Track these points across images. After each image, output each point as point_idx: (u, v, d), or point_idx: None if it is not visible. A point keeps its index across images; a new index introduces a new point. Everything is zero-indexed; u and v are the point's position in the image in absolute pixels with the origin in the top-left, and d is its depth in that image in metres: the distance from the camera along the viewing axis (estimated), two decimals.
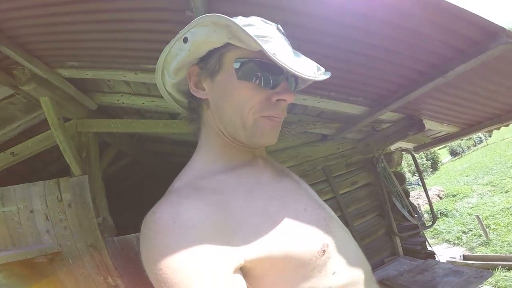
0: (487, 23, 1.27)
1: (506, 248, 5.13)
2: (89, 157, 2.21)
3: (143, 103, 2.22)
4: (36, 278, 1.99)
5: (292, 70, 0.43)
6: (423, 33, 1.37)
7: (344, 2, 1.22)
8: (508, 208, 7.02)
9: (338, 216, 2.62)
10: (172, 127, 2.25)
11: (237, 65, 0.47)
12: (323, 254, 0.44)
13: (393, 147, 3.04)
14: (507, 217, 6.55)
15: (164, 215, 0.38)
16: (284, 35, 0.51)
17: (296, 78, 0.53)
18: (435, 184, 15.27)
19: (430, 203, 3.04)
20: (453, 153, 26.76)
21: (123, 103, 2.26)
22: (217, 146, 0.54)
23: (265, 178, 0.53)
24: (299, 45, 1.44)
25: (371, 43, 1.44)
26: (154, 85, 1.91)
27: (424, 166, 19.49)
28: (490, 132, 2.66)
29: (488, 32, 1.31)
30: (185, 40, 0.47)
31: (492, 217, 7.02)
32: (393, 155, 2.84)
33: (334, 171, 2.77)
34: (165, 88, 0.58)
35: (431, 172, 19.99)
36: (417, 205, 9.68)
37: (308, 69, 0.47)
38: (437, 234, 7.42)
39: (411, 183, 16.67)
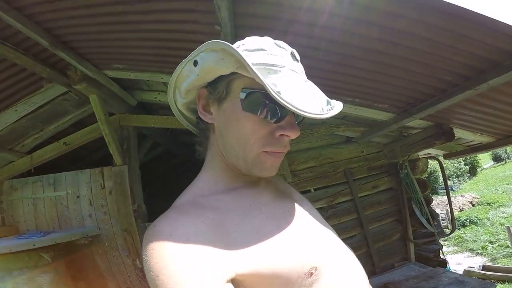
0: None
1: None
2: (129, 148, 2.45)
3: None
4: (77, 259, 2.26)
5: (295, 110, 0.42)
6: (457, 48, 1.36)
7: (374, 19, 1.26)
8: None
9: (354, 219, 2.64)
10: None
11: (243, 95, 0.47)
12: (310, 277, 0.45)
13: (421, 154, 2.97)
14: None
15: (162, 229, 0.41)
16: (298, 61, 0.51)
17: None
18: (471, 190, 14.36)
19: (451, 212, 2.98)
20: (496, 159, 24.55)
21: (160, 100, 2.47)
22: (220, 168, 0.55)
23: (264, 199, 0.54)
24: (328, 56, 1.51)
25: (398, 55, 1.46)
26: None
27: (461, 170, 18.24)
28: None
29: None
30: (195, 63, 0.47)
31: None
32: (418, 162, 2.79)
33: (356, 174, 2.79)
34: (176, 106, 0.59)
35: (468, 177, 18.71)
36: (445, 211, 9.23)
37: (316, 105, 0.46)
38: (461, 242, 7.10)
39: (442, 187, 15.78)
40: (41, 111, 2.33)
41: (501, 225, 7.52)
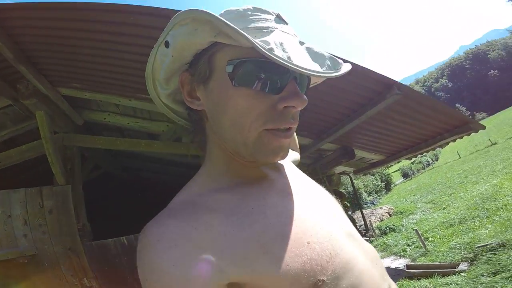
0: (385, 78, 1.89)
1: (440, 257, 5.94)
2: (73, 168, 2.46)
3: (128, 123, 2.56)
4: (14, 279, 2.14)
5: (296, 67, 0.36)
6: (345, 89, 1.97)
7: None
8: (444, 222, 8.10)
9: None
10: (153, 147, 2.60)
11: (229, 68, 0.40)
12: None
13: (337, 171, 3.68)
14: (442, 230, 7.54)
15: (151, 234, 0.38)
16: (286, 24, 0.44)
17: (308, 77, 0.46)
18: (387, 203, 16.74)
19: (364, 220, 3.67)
20: (405, 175, 29.51)
21: (109, 121, 2.58)
22: (221, 161, 0.49)
23: (270, 200, 0.46)
24: None
25: (312, 96, 2.02)
26: (141, 109, 2.29)
27: (379, 187, 21.15)
28: (410, 158, 3.40)
29: (385, 85, 1.93)
30: (167, 44, 0.42)
31: (430, 230, 7.99)
32: (333, 177, 3.48)
33: None
34: (161, 100, 0.52)
35: (385, 192, 21.77)
36: (369, 222, 10.63)
37: (318, 63, 0.41)
38: (386, 248, 8.24)
39: (366, 202, 18.05)
40: None
41: (413, 229, 9.02)
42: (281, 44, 0.38)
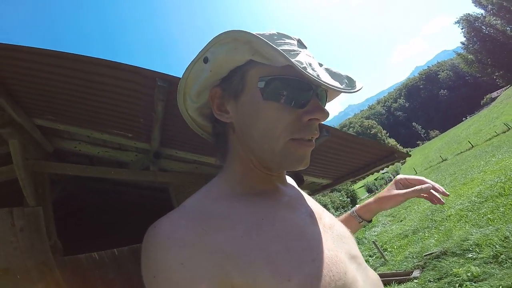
0: None
1: (397, 265, 6.46)
2: (44, 192, 2.58)
3: (98, 152, 2.73)
4: None
5: (325, 84, 0.42)
6: None
7: None
8: (400, 234, 8.79)
9: None
10: (122, 175, 2.79)
11: (261, 84, 0.44)
12: None
13: None
14: (398, 241, 8.22)
15: (161, 231, 0.39)
16: (306, 48, 0.49)
17: (326, 93, 0.50)
18: None
19: None
20: (369, 190, 31.27)
21: (80, 150, 2.74)
22: (240, 172, 0.51)
23: (280, 213, 0.48)
24: None
25: None
26: (111, 140, 2.47)
27: (345, 202, 22.48)
28: (355, 181, 3.95)
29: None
30: (206, 60, 0.46)
31: (389, 242, 8.66)
32: None
33: None
34: (188, 113, 0.56)
35: (351, 207, 22.94)
36: None
37: (338, 81, 0.46)
38: None
39: None
40: None
41: (374, 242, 9.62)
42: (310, 65, 0.43)
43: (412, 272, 5.47)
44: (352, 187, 26.83)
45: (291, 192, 0.57)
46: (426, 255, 5.78)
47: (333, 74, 0.47)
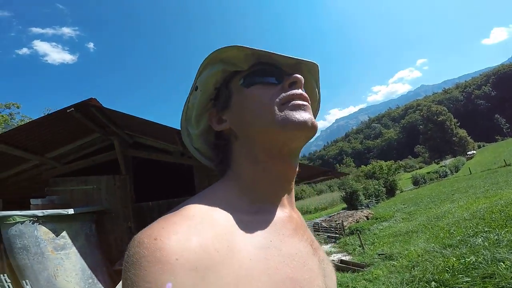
0: None
1: (366, 258, 7.31)
2: (129, 166, 4.84)
3: (158, 144, 4.88)
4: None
5: (290, 57, 0.51)
6: None
7: None
8: (395, 232, 9.28)
9: None
10: (169, 158, 4.91)
11: (241, 81, 0.52)
12: None
13: None
14: (388, 238, 8.86)
15: (167, 247, 0.33)
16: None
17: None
18: (381, 207, 17.50)
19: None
20: (415, 183, 28.86)
21: (147, 143, 4.92)
22: (248, 178, 0.51)
23: (287, 237, 0.47)
24: None
25: None
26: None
27: (380, 192, 21.65)
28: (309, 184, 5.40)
29: None
30: (196, 88, 0.54)
31: (382, 237, 9.27)
32: None
33: None
34: (193, 147, 0.62)
35: (386, 197, 22.47)
36: (340, 222, 12.11)
37: (298, 56, 0.53)
38: (344, 246, 9.74)
39: (362, 204, 19.46)
40: None
41: (374, 234, 10.21)
42: (273, 52, 0.51)
43: (364, 266, 6.65)
44: (393, 177, 25.16)
45: (297, 215, 0.56)
46: (379, 255, 7.15)
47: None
